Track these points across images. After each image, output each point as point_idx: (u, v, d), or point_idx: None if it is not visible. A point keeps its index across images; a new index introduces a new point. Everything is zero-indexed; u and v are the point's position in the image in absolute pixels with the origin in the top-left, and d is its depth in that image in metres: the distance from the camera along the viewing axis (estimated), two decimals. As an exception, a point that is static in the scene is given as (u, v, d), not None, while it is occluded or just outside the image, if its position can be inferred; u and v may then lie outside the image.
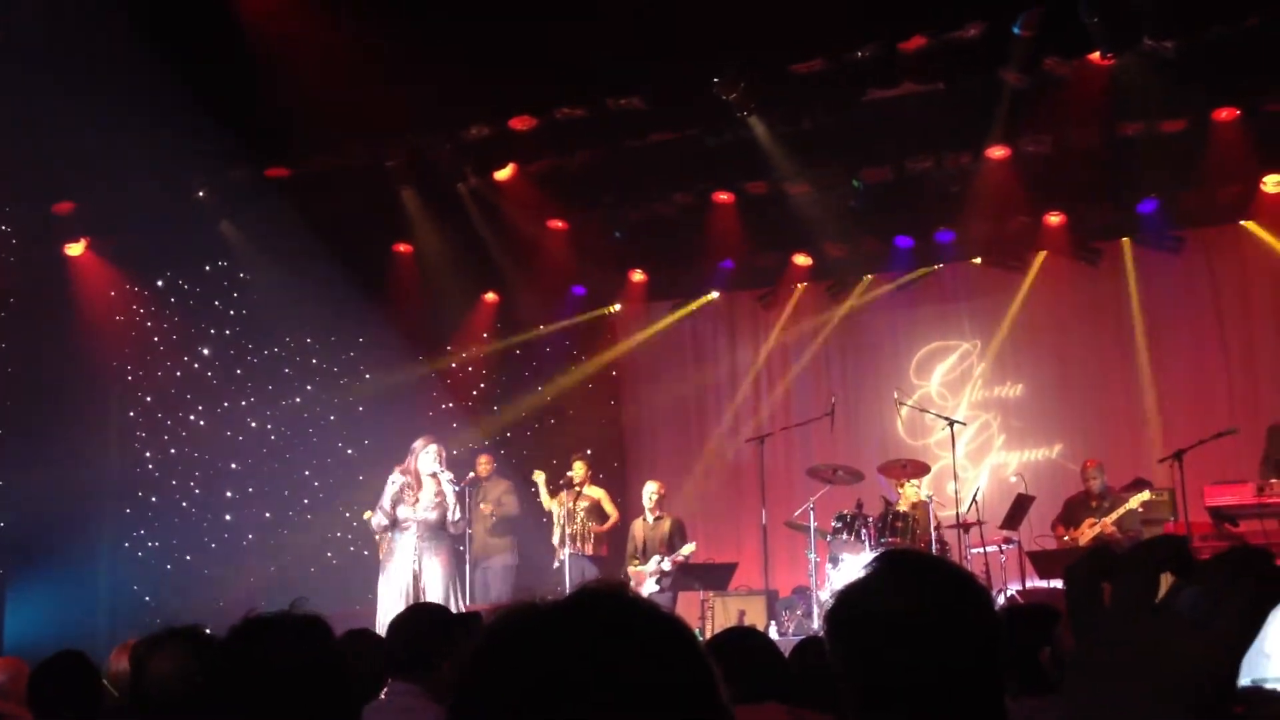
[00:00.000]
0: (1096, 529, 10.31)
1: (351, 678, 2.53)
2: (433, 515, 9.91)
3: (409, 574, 9.86)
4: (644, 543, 11.26)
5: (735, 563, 11.24)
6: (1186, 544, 0.97)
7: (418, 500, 9.96)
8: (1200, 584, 0.93)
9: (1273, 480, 9.55)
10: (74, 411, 11.97)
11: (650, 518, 11.36)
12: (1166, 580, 0.96)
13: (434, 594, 9.80)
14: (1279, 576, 0.93)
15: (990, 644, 1.81)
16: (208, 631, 3.67)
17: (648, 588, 10.83)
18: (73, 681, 4.27)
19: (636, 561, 11.22)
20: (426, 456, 10.03)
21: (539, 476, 12.12)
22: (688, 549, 11.06)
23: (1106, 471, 10.76)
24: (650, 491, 11.41)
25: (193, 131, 9.99)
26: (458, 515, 9.99)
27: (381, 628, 9.07)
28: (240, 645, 2.39)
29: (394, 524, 9.98)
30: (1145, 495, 10.24)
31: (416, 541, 9.90)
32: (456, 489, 9.98)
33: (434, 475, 9.94)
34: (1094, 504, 10.55)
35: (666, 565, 10.99)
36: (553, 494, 11.87)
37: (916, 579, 1.86)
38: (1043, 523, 10.87)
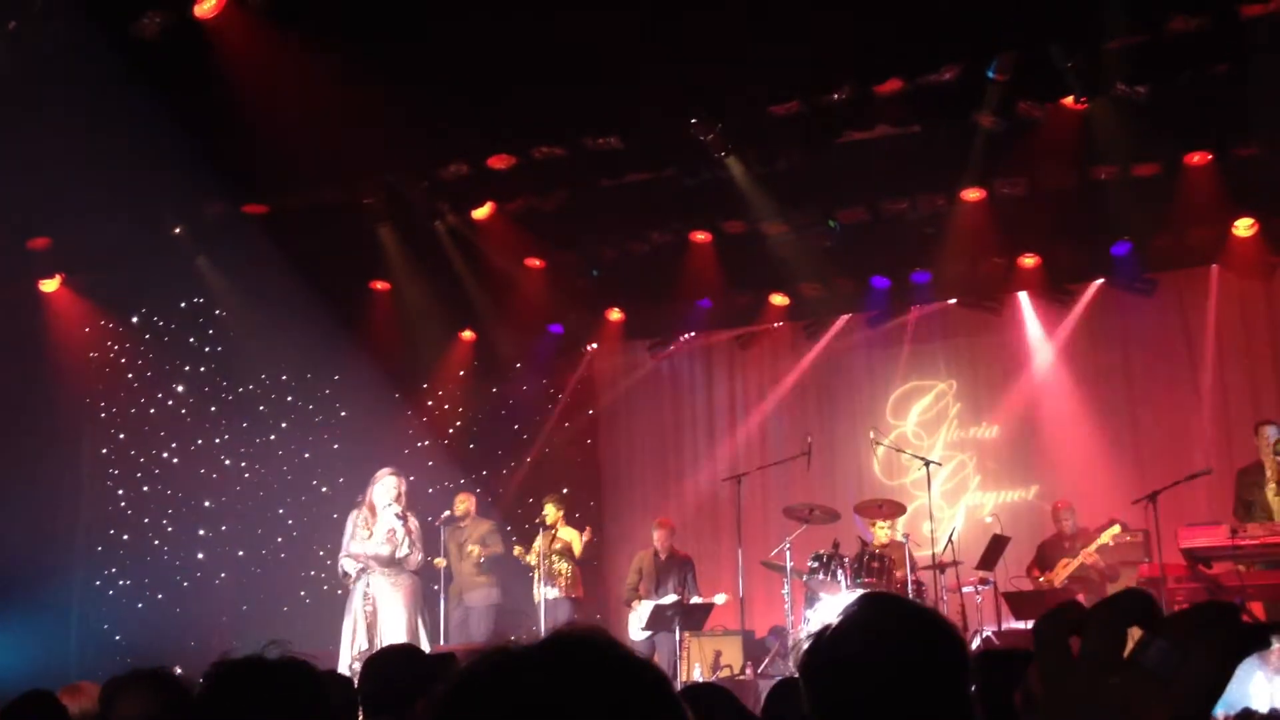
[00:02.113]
0: (1073, 566, 10.34)
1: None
2: (385, 549, 9.68)
3: (364, 611, 9.63)
4: (656, 578, 11.26)
5: (712, 603, 11.20)
6: (1153, 599, 0.98)
7: (371, 534, 9.75)
8: (1168, 638, 0.94)
9: (1247, 523, 9.58)
10: (46, 448, 11.87)
11: (662, 555, 11.40)
12: (1135, 634, 0.96)
13: (393, 630, 9.56)
14: (1245, 631, 0.93)
15: (962, 688, 1.81)
16: (176, 672, 3.63)
17: (644, 625, 10.86)
18: (40, 723, 4.21)
19: (639, 595, 11.17)
20: (381, 488, 9.81)
21: (529, 555, 11.61)
22: (719, 599, 11.18)
23: (1082, 513, 10.79)
24: (659, 536, 11.42)
25: (169, 167, 9.95)
26: (407, 551, 9.73)
27: (343, 668, 8.96)
28: (221, 697, 2.18)
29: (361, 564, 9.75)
30: (1115, 529, 10.29)
31: (372, 577, 9.70)
32: (403, 523, 9.75)
33: (387, 508, 9.74)
34: (1066, 544, 10.59)
35: (698, 600, 11.08)
36: (528, 544, 11.65)
37: (890, 624, 1.86)
38: (1019, 563, 10.87)
